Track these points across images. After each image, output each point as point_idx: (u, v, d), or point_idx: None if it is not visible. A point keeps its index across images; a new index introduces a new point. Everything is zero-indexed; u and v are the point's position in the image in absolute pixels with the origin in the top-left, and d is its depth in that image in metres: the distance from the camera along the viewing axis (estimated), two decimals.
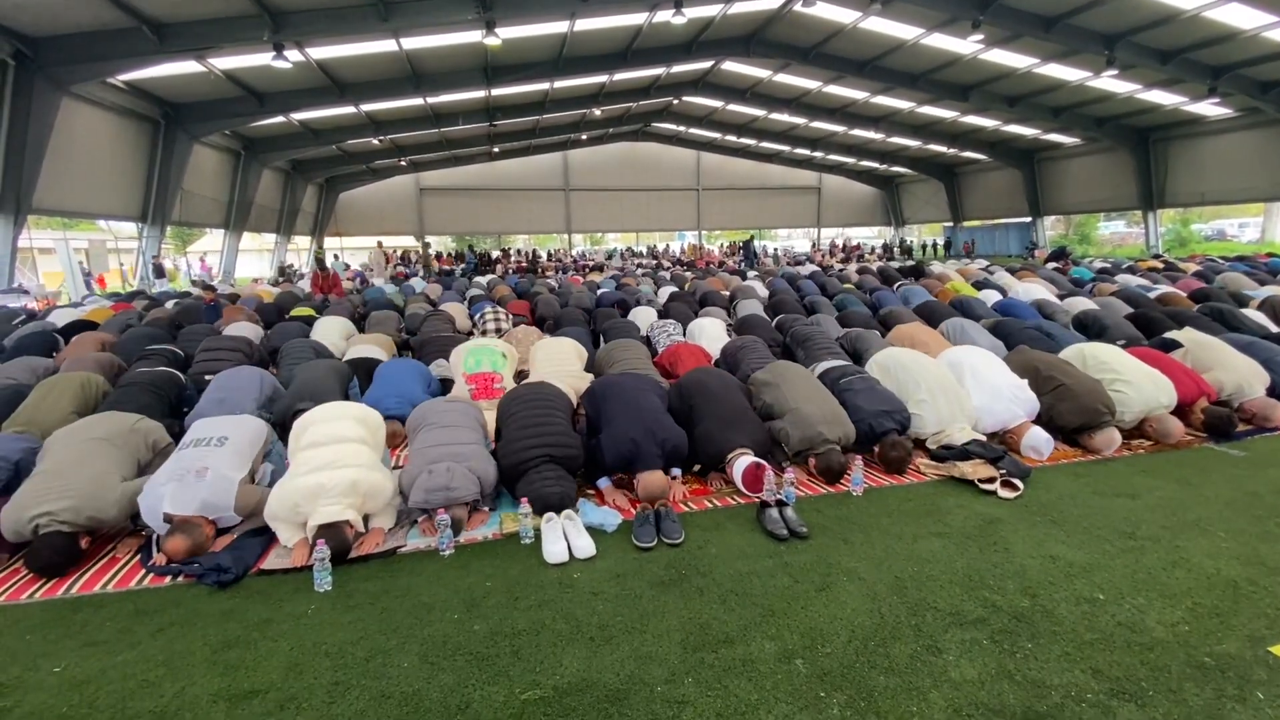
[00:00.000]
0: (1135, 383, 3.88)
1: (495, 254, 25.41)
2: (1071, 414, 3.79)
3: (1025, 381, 3.91)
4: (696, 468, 3.56)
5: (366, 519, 2.85)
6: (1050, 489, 3.26)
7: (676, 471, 3.36)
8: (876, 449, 3.57)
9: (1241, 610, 2.20)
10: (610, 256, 25.70)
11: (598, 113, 19.94)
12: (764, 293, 9.30)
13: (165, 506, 2.67)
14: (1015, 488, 3.20)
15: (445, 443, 3.06)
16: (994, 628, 2.12)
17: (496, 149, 23.48)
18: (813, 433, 3.44)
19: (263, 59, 10.69)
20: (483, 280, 13.42)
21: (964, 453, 3.51)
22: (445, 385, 4.94)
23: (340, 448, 2.91)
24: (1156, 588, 2.34)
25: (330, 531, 2.58)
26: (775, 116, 21.14)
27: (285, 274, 17.62)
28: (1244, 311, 6.11)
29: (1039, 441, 3.64)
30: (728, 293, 9.34)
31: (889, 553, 2.64)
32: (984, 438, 3.64)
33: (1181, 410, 3.99)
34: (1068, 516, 2.94)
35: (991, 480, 3.26)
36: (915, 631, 2.11)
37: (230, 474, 2.84)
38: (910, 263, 15.48)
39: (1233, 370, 4.29)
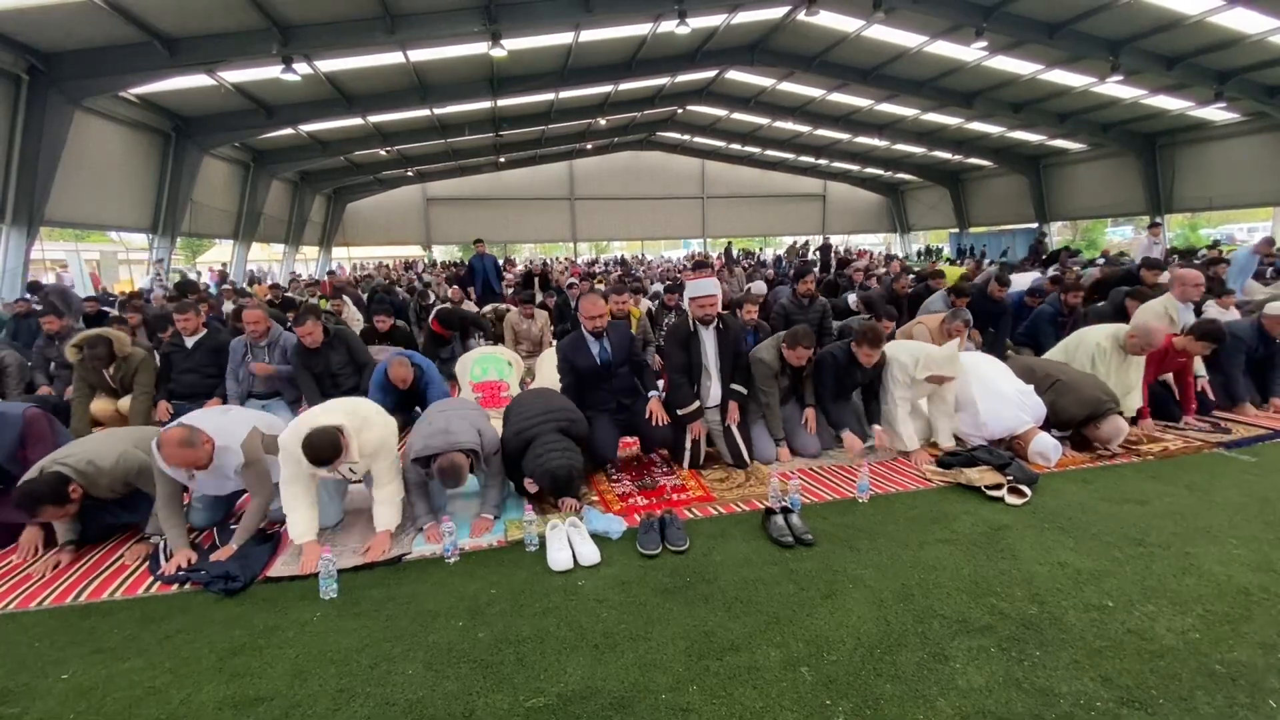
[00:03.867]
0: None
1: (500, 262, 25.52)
2: (1075, 406, 3.81)
3: (1031, 387, 3.89)
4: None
5: (376, 524, 2.87)
6: (1058, 495, 3.24)
7: (654, 393, 3.65)
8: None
9: (1254, 617, 2.17)
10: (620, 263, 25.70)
11: (603, 122, 20.00)
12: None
13: (184, 420, 2.80)
14: (1023, 494, 3.18)
15: (445, 410, 3.18)
16: (1002, 635, 2.11)
17: (502, 159, 23.61)
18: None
19: (271, 72, 10.78)
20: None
21: (971, 459, 3.50)
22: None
23: (351, 400, 3.11)
24: (1167, 595, 2.32)
25: (320, 433, 2.62)
26: (779, 125, 21.15)
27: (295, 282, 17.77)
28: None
29: (1046, 448, 3.61)
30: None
31: (895, 560, 2.63)
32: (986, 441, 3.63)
33: (1179, 365, 4.32)
34: (1076, 523, 2.92)
35: (999, 486, 3.24)
36: (922, 639, 2.10)
37: (251, 421, 2.99)
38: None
39: (1148, 311, 4.79)
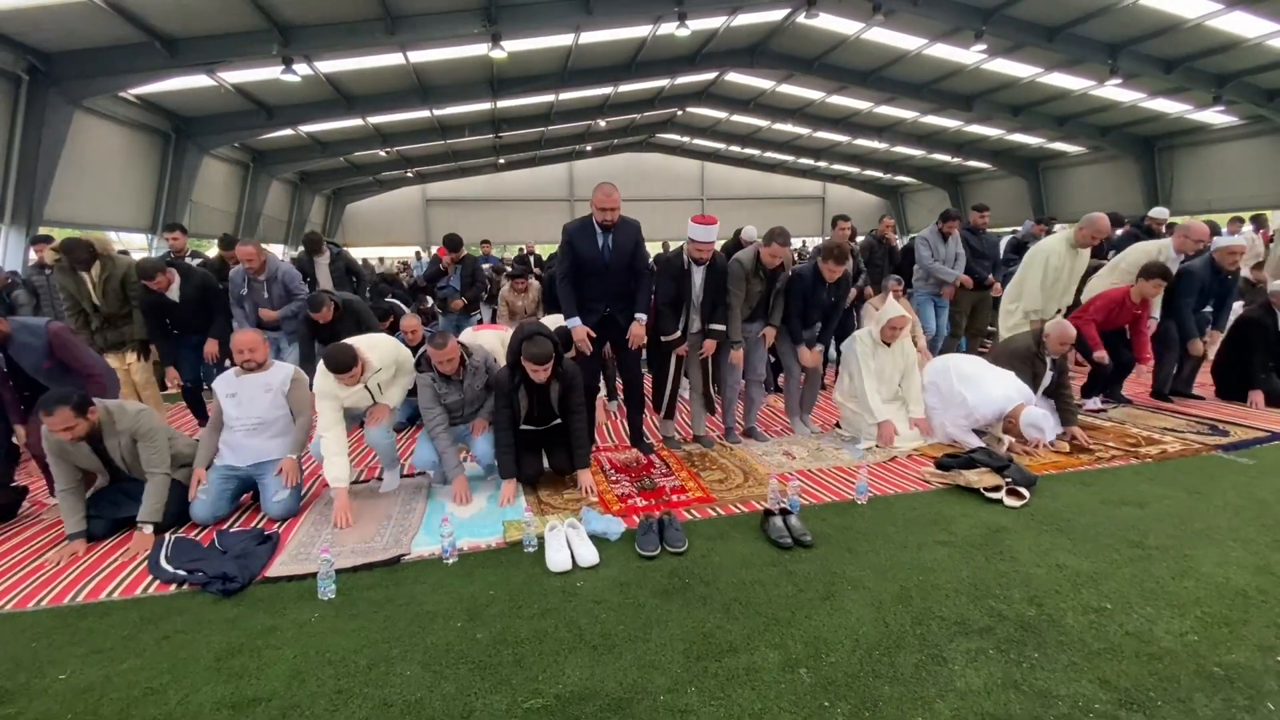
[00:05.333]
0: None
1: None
2: (1025, 337, 4.27)
3: (1012, 373, 4.01)
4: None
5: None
6: (1057, 497, 3.24)
7: (641, 315, 3.85)
8: None
9: (1252, 619, 2.17)
10: None
11: (603, 124, 20.02)
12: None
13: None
14: (1021, 496, 3.18)
15: None
16: (1000, 637, 2.11)
17: (502, 160, 23.63)
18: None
19: (271, 73, 10.79)
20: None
21: (969, 461, 3.51)
22: None
23: (363, 337, 3.61)
24: (1165, 597, 2.32)
25: (337, 347, 3.20)
26: (779, 127, 21.17)
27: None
28: None
29: (1037, 418, 3.71)
30: None
31: (894, 561, 2.63)
32: (981, 442, 3.65)
33: (1133, 316, 4.69)
34: (1074, 525, 2.92)
35: (997, 489, 3.24)
36: (920, 641, 2.10)
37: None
38: None
39: (1140, 250, 5.04)
